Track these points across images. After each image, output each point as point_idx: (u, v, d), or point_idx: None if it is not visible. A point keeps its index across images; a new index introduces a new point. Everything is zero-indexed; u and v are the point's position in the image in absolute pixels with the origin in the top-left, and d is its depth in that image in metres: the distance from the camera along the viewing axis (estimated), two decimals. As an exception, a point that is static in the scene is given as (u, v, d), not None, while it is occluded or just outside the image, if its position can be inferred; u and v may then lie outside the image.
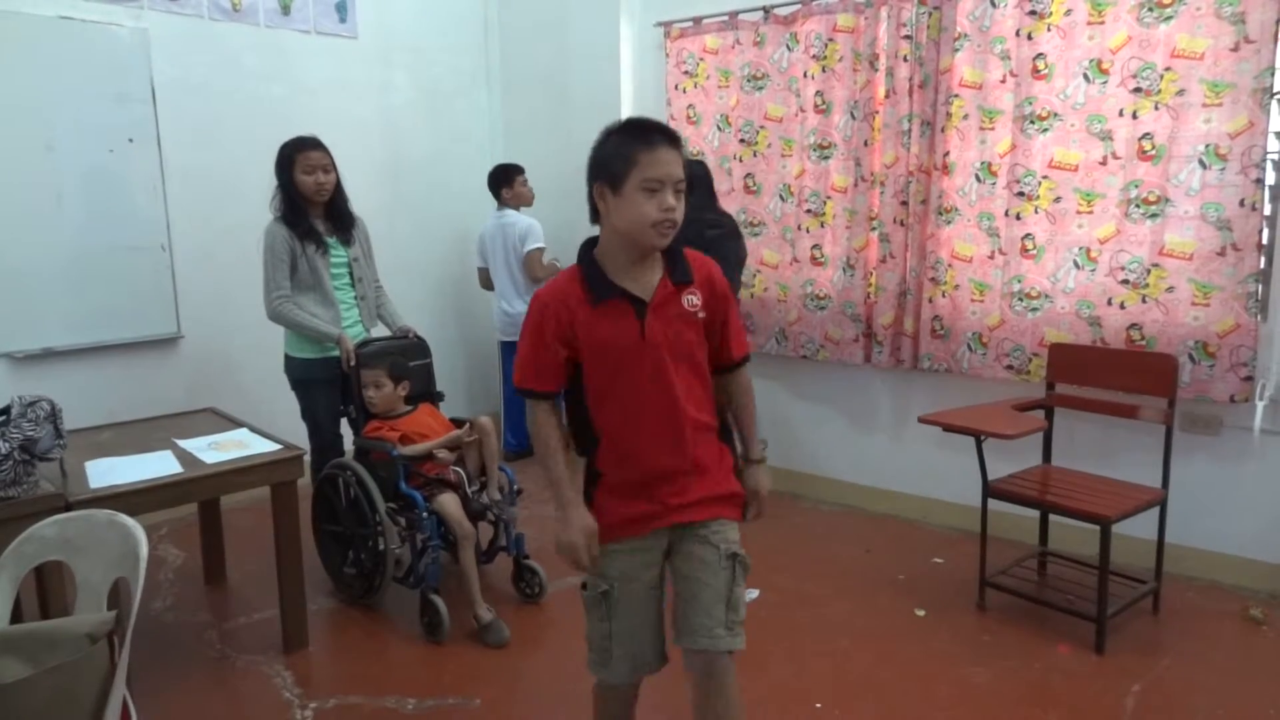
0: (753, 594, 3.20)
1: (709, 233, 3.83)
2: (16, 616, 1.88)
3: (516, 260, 4.66)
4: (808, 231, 4.08)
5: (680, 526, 1.82)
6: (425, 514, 2.97)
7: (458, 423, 3.29)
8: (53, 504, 2.29)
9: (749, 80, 4.22)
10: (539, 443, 1.82)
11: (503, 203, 4.72)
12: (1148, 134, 3.16)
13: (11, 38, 3.57)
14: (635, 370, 1.76)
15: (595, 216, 1.80)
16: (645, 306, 1.76)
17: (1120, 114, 3.21)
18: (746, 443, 1.96)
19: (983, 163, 3.52)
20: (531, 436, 1.84)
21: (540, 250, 4.65)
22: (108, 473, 2.58)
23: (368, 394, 3.18)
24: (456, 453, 3.21)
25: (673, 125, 4.50)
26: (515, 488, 3.23)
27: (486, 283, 4.88)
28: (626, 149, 1.70)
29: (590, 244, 1.82)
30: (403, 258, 4.75)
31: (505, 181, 4.70)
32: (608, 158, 1.74)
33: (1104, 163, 3.27)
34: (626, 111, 4.69)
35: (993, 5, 3.43)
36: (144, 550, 1.73)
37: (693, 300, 1.81)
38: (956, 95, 3.53)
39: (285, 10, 4.39)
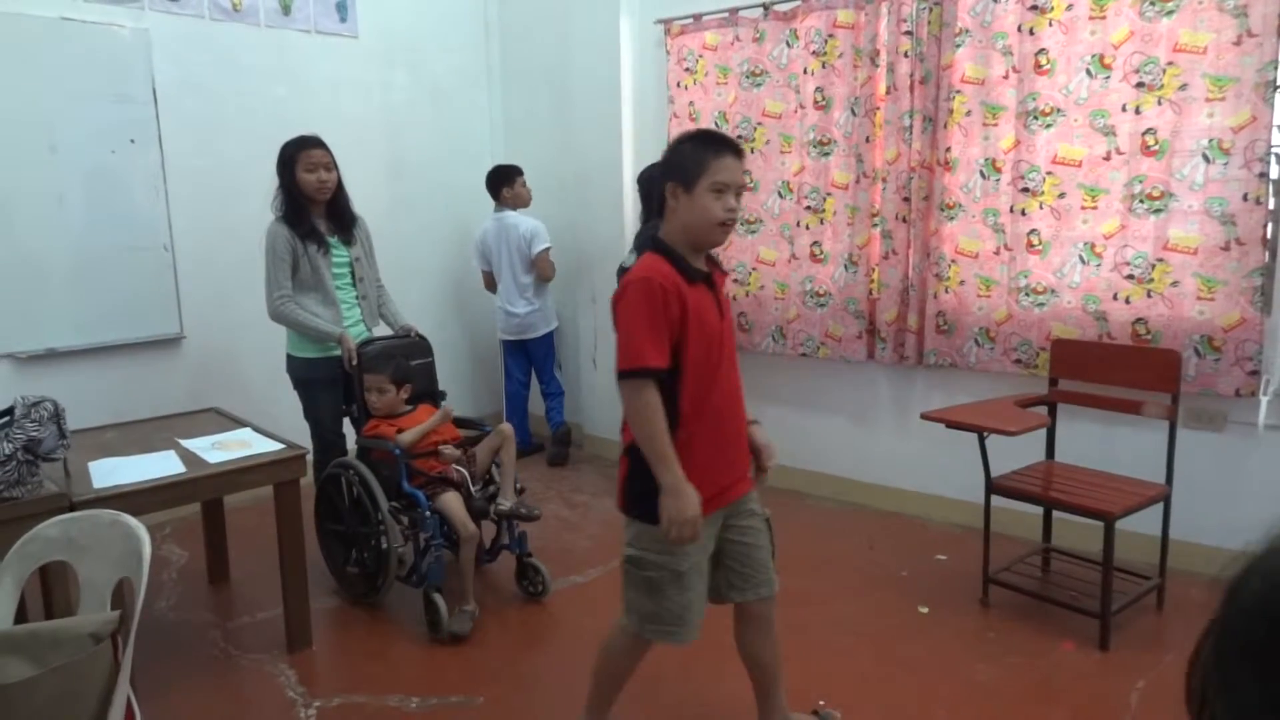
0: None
1: None
2: (21, 617, 1.88)
3: (521, 261, 4.65)
4: (807, 228, 4.07)
5: (734, 500, 2.04)
6: (428, 513, 2.98)
7: (470, 423, 3.30)
8: (56, 504, 2.29)
9: (747, 77, 4.21)
10: (647, 422, 1.86)
11: (501, 203, 4.71)
12: (1151, 129, 3.15)
13: (13, 39, 3.57)
14: (717, 349, 1.94)
15: (659, 210, 1.99)
16: (716, 291, 1.97)
17: (1123, 109, 3.20)
18: None
19: (986, 159, 3.51)
20: (637, 416, 1.87)
21: (548, 250, 4.65)
22: (111, 473, 2.58)
23: (370, 398, 3.18)
24: (464, 452, 3.21)
25: (674, 122, 4.50)
26: (519, 487, 3.24)
27: (493, 286, 4.86)
28: (700, 154, 1.89)
29: (652, 236, 1.98)
30: (404, 256, 4.75)
31: (505, 182, 4.69)
32: (682, 161, 1.92)
33: (1107, 158, 3.26)
34: (627, 109, 4.68)
35: (994, 0, 3.42)
36: (147, 550, 1.74)
37: (726, 291, 2.05)
38: (958, 91, 3.52)
39: (286, 10, 4.39)
